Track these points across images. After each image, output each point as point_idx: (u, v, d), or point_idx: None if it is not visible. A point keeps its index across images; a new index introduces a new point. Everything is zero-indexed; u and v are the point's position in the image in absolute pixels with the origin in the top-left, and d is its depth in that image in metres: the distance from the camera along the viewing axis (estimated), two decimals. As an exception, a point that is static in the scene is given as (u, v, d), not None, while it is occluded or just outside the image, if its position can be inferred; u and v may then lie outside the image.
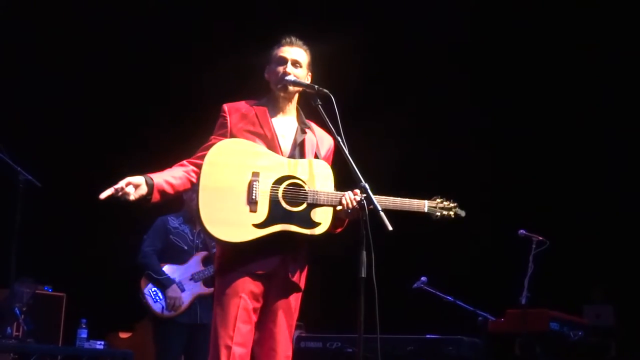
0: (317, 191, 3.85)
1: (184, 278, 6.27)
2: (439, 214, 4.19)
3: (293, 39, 4.08)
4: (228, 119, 3.94)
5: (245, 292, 3.77)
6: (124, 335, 7.73)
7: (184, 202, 6.47)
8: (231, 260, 3.80)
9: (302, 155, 3.97)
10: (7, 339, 6.18)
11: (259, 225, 3.73)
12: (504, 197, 8.75)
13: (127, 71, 8.74)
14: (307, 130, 4.03)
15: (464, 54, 8.87)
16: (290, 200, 3.80)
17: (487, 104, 8.92)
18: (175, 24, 8.74)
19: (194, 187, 3.82)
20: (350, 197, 3.81)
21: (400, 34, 8.82)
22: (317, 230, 3.84)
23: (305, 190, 3.83)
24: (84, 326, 6.65)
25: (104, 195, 3.76)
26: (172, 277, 6.22)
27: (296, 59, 4.03)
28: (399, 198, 4.02)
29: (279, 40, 4.08)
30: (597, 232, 8.55)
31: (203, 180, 3.73)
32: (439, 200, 4.22)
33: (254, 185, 3.74)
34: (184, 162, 3.91)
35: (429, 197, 4.18)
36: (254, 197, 3.73)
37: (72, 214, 8.41)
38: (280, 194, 3.79)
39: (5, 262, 6.37)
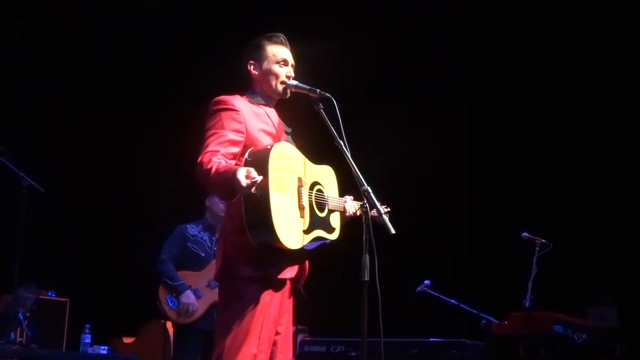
0: (334, 197, 3.93)
1: (200, 285, 6.33)
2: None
3: (283, 37, 4.02)
4: (241, 115, 3.76)
5: (273, 299, 3.72)
6: (127, 340, 7.73)
7: (205, 210, 6.52)
8: (264, 265, 3.67)
9: None
10: (11, 344, 6.18)
11: (306, 231, 3.72)
12: (507, 199, 8.73)
13: (131, 75, 8.75)
14: (288, 132, 4.01)
15: (462, 54, 8.84)
16: (319, 206, 3.84)
17: (490, 103, 8.91)
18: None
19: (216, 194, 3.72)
20: (353, 205, 3.91)
21: (393, 35, 8.81)
22: (334, 235, 3.92)
23: (325, 196, 3.88)
24: (87, 331, 6.66)
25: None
26: (188, 283, 6.30)
27: (293, 63, 4.02)
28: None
29: (269, 37, 3.99)
30: (601, 233, 8.52)
31: (272, 186, 3.55)
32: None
33: (302, 191, 3.74)
34: (219, 156, 3.60)
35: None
36: (302, 202, 3.72)
37: (75, 220, 8.41)
38: (314, 200, 3.81)
39: (8, 267, 6.38)
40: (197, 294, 6.30)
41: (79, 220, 8.43)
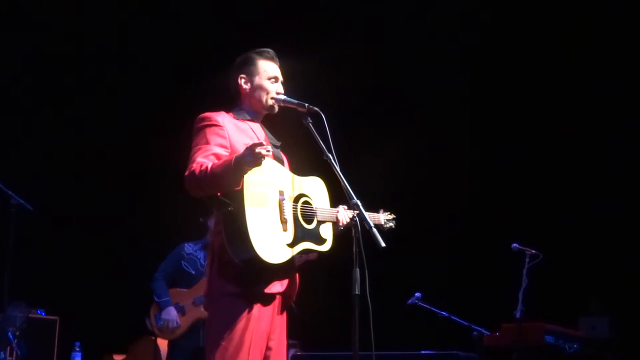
0: (323, 208, 3.92)
1: (186, 302, 6.39)
2: (387, 226, 4.32)
3: (273, 53, 4.04)
4: (225, 130, 3.78)
5: (262, 314, 3.70)
6: (118, 357, 7.68)
7: (207, 230, 6.55)
8: (251, 280, 3.65)
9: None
10: (0, 363, 6.15)
11: (290, 245, 3.71)
12: (497, 210, 8.74)
13: (118, 92, 8.74)
14: (277, 145, 4.02)
15: (459, 67, 8.88)
16: (306, 219, 3.82)
17: (481, 115, 8.93)
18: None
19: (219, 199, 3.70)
20: (345, 214, 3.88)
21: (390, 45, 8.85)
22: (326, 247, 3.92)
23: (313, 208, 3.87)
24: (77, 349, 6.64)
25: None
26: (175, 300, 6.35)
27: (282, 79, 4.03)
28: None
29: (260, 52, 4.01)
30: (591, 243, 8.54)
31: (247, 201, 3.57)
32: (385, 213, 4.34)
33: (283, 204, 3.72)
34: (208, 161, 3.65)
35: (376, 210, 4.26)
36: (284, 216, 3.71)
37: (64, 238, 8.38)
38: (299, 212, 3.80)
39: (-3, 286, 6.35)
40: (182, 310, 6.35)
41: (68, 238, 8.40)
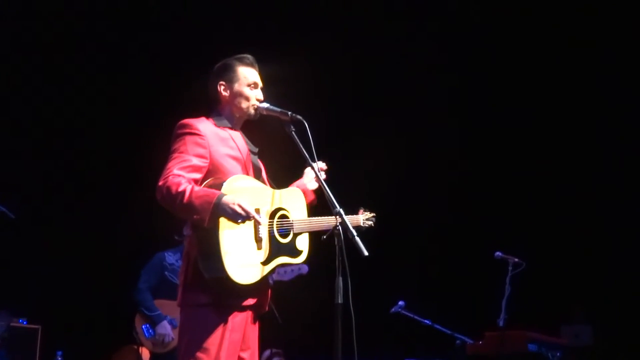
0: (300, 220, 3.89)
1: (177, 314, 6.32)
2: (366, 225, 4.33)
3: (253, 59, 4.00)
4: (206, 140, 3.73)
5: (234, 324, 3.68)
6: (100, 366, 7.67)
7: (184, 238, 6.51)
8: (225, 294, 3.63)
9: (262, 180, 3.95)
10: (-19, 373, 6.11)
11: (264, 262, 3.69)
12: (480, 219, 8.76)
13: (96, 100, 8.71)
14: (255, 152, 3.99)
15: (443, 74, 8.90)
16: (282, 233, 3.80)
17: (466, 124, 8.96)
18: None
19: (193, 224, 3.69)
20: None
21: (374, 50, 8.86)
22: (301, 258, 3.89)
23: (290, 221, 3.85)
24: (59, 358, 6.62)
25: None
26: (164, 313, 6.30)
27: (261, 84, 4.00)
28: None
29: (240, 58, 3.98)
30: (574, 252, 8.58)
31: (222, 223, 3.54)
32: (366, 212, 4.35)
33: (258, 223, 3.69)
34: (185, 180, 3.60)
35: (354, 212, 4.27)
36: (260, 234, 3.68)
37: (46, 246, 8.34)
38: (275, 228, 3.77)
39: (-21, 295, 6.31)
40: (174, 323, 6.32)
41: (50, 247, 8.35)
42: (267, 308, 3.90)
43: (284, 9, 8.48)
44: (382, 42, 8.76)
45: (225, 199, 3.49)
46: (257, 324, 3.87)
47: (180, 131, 3.76)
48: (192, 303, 3.68)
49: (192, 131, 3.75)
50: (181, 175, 3.60)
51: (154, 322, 6.33)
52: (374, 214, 4.39)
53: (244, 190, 3.68)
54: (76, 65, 8.60)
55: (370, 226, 4.34)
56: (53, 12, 8.27)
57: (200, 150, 3.71)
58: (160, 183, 3.59)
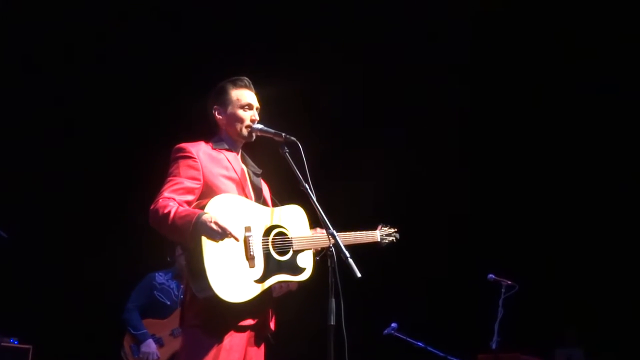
0: (300, 237, 3.88)
1: (164, 333, 6.35)
2: (386, 240, 4.33)
3: (248, 81, 4.04)
4: (199, 162, 3.78)
5: (233, 346, 3.66)
6: (91, 387, 7.63)
7: (175, 259, 6.52)
8: (219, 314, 3.62)
9: (264, 200, 3.96)
10: (-28, 394, 6.07)
11: (259, 280, 3.68)
12: (473, 242, 8.77)
13: (92, 114, 8.71)
14: (258, 173, 4.02)
15: (445, 84, 8.91)
16: (279, 250, 3.79)
17: (462, 147, 8.99)
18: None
19: (181, 245, 3.72)
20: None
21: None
22: (304, 276, 3.88)
23: (289, 238, 3.84)
24: (50, 379, 6.57)
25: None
26: (152, 332, 6.31)
27: (258, 107, 4.03)
28: (352, 233, 4.10)
29: (233, 81, 4.02)
30: (566, 275, 8.59)
31: (205, 242, 3.54)
32: (384, 228, 4.36)
33: (250, 241, 3.68)
34: (175, 202, 3.64)
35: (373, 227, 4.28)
36: (251, 252, 3.67)
37: (39, 265, 8.31)
38: (270, 246, 3.76)
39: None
40: (160, 342, 6.32)
41: (42, 266, 8.33)
42: (272, 328, 3.87)
43: (280, 24, 8.50)
44: (384, 55, 8.78)
45: (203, 217, 3.51)
46: (262, 346, 3.85)
47: (175, 155, 3.83)
48: (189, 324, 3.70)
49: (185, 154, 3.80)
50: (171, 197, 3.66)
51: (139, 340, 6.34)
52: (396, 229, 4.38)
53: (230, 208, 3.69)
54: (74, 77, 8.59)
55: (392, 242, 4.35)
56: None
57: (193, 172, 3.76)
58: (152, 207, 3.65)
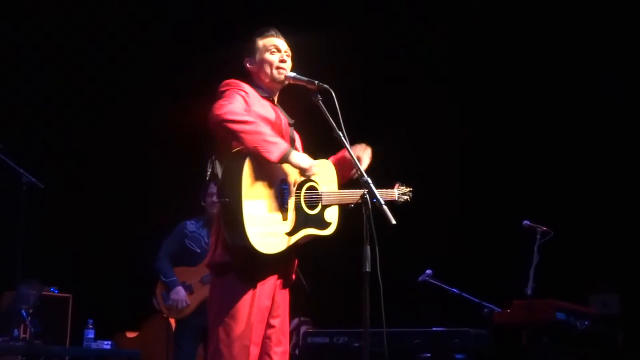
0: (330, 192, 3.89)
1: (194, 281, 6.40)
2: (402, 199, 4.32)
3: (275, 30, 4.04)
4: (250, 99, 3.78)
5: (262, 291, 3.71)
6: (130, 334, 7.74)
7: (205, 207, 6.57)
8: (250, 264, 3.66)
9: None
10: (14, 341, 6.18)
11: (290, 233, 3.70)
12: (508, 188, 8.73)
13: (127, 71, 8.76)
14: (291, 123, 4.02)
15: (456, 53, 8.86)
16: (309, 205, 3.80)
17: (489, 92, 8.92)
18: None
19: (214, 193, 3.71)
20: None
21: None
22: (330, 230, 3.88)
23: (319, 192, 3.84)
24: (90, 326, 6.67)
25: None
26: (182, 279, 6.37)
27: (287, 51, 4.03)
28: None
29: (260, 32, 4.02)
30: (602, 221, 8.53)
31: (245, 194, 3.54)
32: (402, 187, 4.35)
33: (285, 193, 3.70)
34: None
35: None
36: (286, 205, 3.69)
37: (76, 215, 8.41)
38: (302, 199, 3.77)
39: (10, 264, 6.38)
40: (190, 289, 6.38)
41: (80, 216, 8.43)
42: (294, 277, 3.93)
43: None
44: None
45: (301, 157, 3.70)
46: (287, 292, 3.91)
47: (226, 88, 3.79)
48: (221, 269, 3.72)
49: (239, 88, 3.79)
50: (245, 114, 3.67)
51: (169, 287, 6.42)
52: (411, 189, 4.38)
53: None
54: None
55: (406, 201, 4.34)
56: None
57: (246, 106, 3.74)
58: (221, 102, 3.66)
